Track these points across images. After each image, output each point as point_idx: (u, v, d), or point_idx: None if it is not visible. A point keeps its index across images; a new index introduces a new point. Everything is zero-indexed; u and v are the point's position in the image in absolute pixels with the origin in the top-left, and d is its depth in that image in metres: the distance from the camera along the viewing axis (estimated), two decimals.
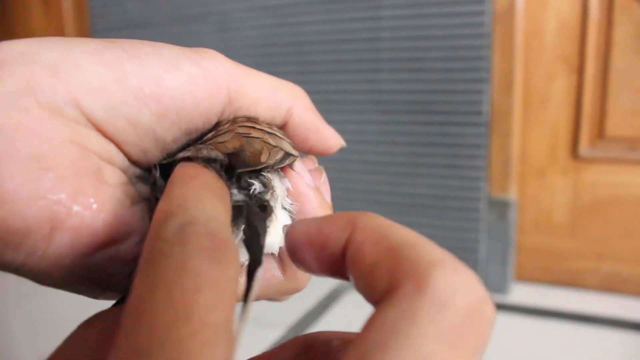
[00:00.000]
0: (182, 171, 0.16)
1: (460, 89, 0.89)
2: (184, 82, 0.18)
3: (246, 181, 0.18)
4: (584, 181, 0.92)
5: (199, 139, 0.20)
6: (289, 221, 0.20)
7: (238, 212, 0.17)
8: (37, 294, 0.93)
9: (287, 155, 0.20)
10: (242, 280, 0.20)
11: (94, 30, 1.21)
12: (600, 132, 0.90)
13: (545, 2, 0.89)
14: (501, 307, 0.93)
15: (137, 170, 0.20)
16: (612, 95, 0.87)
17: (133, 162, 0.19)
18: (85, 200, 0.16)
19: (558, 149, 0.93)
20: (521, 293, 0.96)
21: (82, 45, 0.17)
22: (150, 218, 0.18)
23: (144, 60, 0.18)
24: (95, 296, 0.18)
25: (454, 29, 0.87)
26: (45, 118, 0.16)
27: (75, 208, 0.16)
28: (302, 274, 0.21)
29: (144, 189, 0.19)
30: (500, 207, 0.93)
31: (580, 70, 0.88)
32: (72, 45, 0.17)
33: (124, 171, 0.19)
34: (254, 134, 0.19)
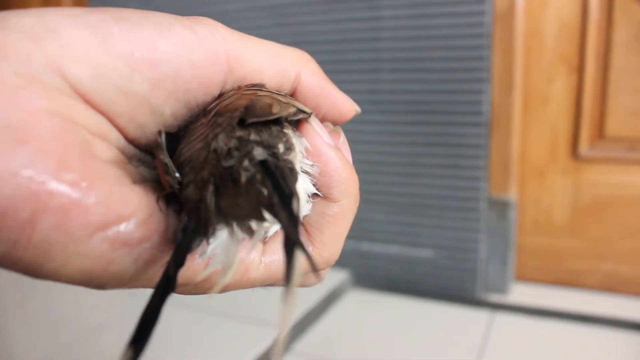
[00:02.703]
0: None
1: (460, 89, 0.89)
2: (178, 47, 0.17)
3: (268, 141, 0.16)
4: (584, 181, 0.92)
5: (201, 113, 0.18)
6: (309, 185, 0.18)
7: (265, 172, 0.15)
8: (37, 294, 0.93)
9: (300, 111, 0.18)
10: (277, 257, 0.18)
11: None
12: (600, 132, 0.90)
13: (545, 2, 0.89)
14: (501, 307, 0.93)
15: (137, 152, 0.18)
16: (612, 95, 0.87)
17: (130, 140, 0.17)
18: (71, 177, 0.14)
19: (558, 149, 0.93)
20: (521, 293, 0.95)
21: (62, 10, 0.16)
22: (158, 197, 0.16)
23: (133, 24, 0.16)
24: (99, 287, 0.16)
25: (454, 29, 0.87)
26: (21, 87, 0.14)
27: (58, 186, 0.14)
28: (331, 245, 0.19)
29: (146, 171, 0.18)
30: (500, 207, 0.93)
31: (580, 70, 0.88)
32: (51, 11, 0.15)
33: (122, 150, 0.17)
34: (260, 93, 0.18)
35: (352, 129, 0.95)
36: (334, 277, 1.00)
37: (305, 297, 0.90)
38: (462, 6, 0.86)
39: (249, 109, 0.16)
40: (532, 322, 0.88)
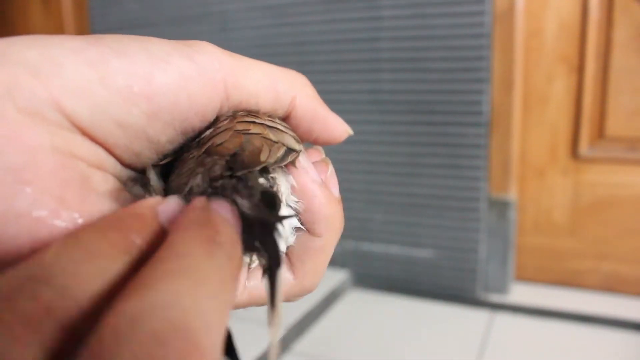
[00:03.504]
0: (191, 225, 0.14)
1: (460, 89, 0.89)
2: (176, 79, 0.17)
3: (252, 182, 0.16)
4: (584, 181, 0.92)
5: (196, 137, 0.19)
6: (294, 220, 0.19)
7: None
8: None
9: (290, 150, 0.18)
10: (255, 283, 0.20)
11: (94, 30, 1.21)
12: (600, 132, 0.90)
13: (545, 2, 0.89)
14: (501, 307, 0.93)
15: (132, 173, 0.18)
16: (612, 95, 0.87)
17: (126, 165, 0.18)
18: (70, 215, 0.15)
19: (558, 149, 0.93)
20: (521, 293, 0.95)
21: (65, 42, 0.16)
22: None
23: (131, 57, 0.16)
24: None
25: (454, 29, 0.87)
26: (23, 124, 0.14)
27: (57, 225, 0.14)
28: (311, 275, 0.20)
29: (140, 190, 0.18)
30: (500, 207, 0.93)
31: (580, 70, 0.88)
32: (54, 43, 0.16)
33: (117, 176, 0.17)
34: (254, 129, 0.18)
35: (352, 129, 0.94)
36: (334, 277, 1.00)
37: (306, 297, 0.90)
38: (462, 6, 0.86)
39: (237, 158, 0.17)
40: (532, 322, 0.88)
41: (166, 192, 0.17)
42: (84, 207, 0.15)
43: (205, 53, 0.18)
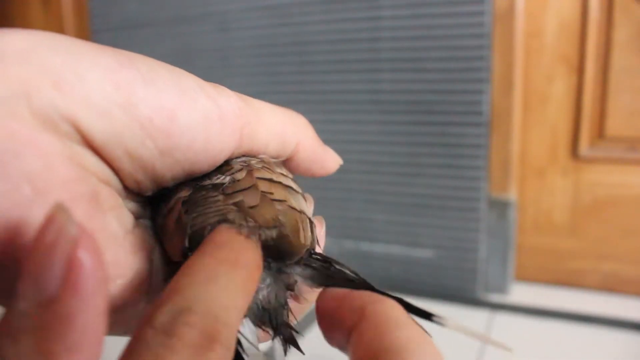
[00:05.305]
0: (215, 240, 0.15)
1: (460, 89, 0.89)
2: (199, 120, 0.17)
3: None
4: (584, 181, 0.92)
5: (202, 177, 0.18)
6: None
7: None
8: None
9: (311, 222, 0.19)
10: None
11: (94, 30, 1.21)
12: (600, 132, 0.90)
13: (545, 2, 0.89)
14: (501, 307, 0.93)
15: (129, 194, 0.18)
16: (612, 95, 0.87)
17: (124, 187, 0.18)
18: None
19: (558, 149, 0.93)
20: (521, 293, 0.95)
21: (94, 55, 0.15)
22: (149, 260, 0.17)
23: (159, 88, 0.16)
24: None
25: (454, 29, 0.87)
26: (38, 129, 0.14)
27: None
28: None
29: (134, 207, 0.18)
30: (500, 207, 0.93)
31: (580, 70, 0.88)
32: (83, 52, 0.15)
33: (118, 194, 0.17)
34: (277, 194, 0.17)
35: (352, 129, 0.95)
36: None
37: None
38: (462, 6, 0.86)
39: (284, 245, 0.17)
40: (532, 322, 0.88)
41: (191, 231, 0.17)
42: (89, 224, 0.15)
43: (228, 97, 0.18)
